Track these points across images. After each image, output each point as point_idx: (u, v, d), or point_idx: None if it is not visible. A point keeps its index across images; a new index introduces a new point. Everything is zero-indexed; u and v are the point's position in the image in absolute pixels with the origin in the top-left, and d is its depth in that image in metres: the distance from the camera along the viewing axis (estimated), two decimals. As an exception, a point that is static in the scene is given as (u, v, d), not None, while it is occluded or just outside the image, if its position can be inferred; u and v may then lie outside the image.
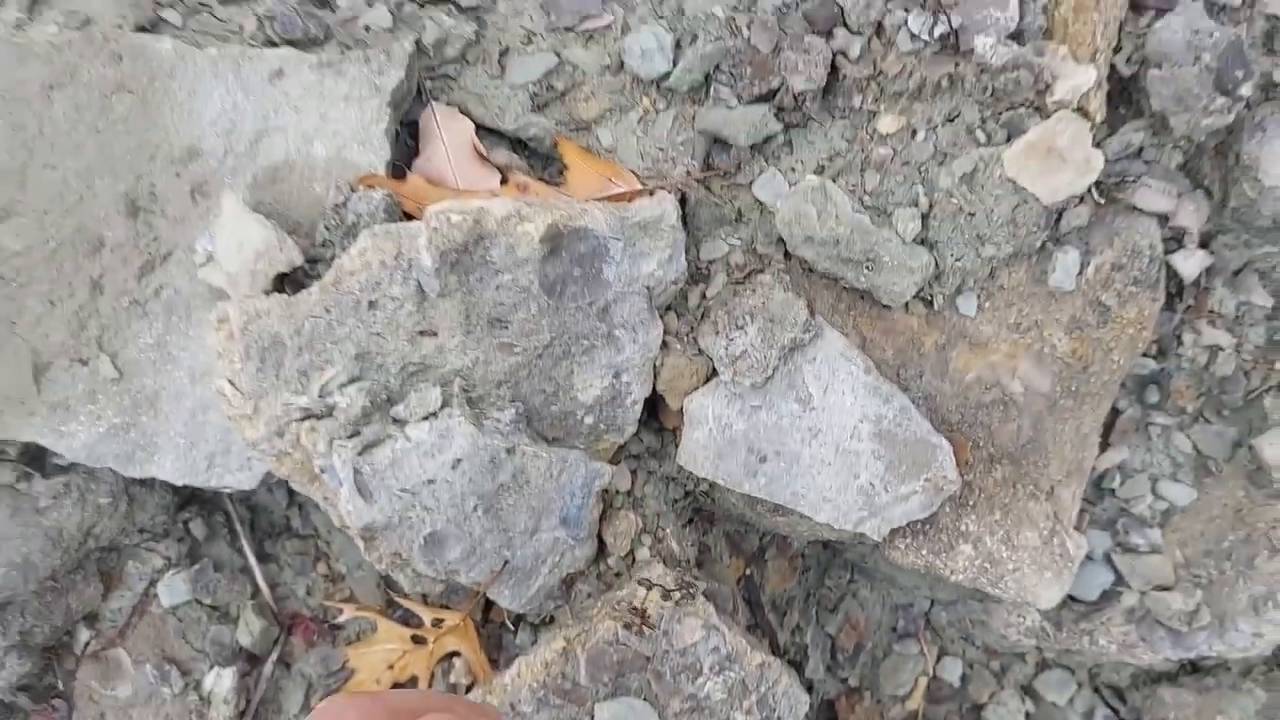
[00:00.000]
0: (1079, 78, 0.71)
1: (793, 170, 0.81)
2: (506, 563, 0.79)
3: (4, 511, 0.87)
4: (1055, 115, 0.70)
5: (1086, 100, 0.72)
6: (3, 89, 0.78)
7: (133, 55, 0.77)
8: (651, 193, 0.79)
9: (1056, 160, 0.71)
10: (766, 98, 0.79)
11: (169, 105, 0.77)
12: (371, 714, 0.50)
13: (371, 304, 0.72)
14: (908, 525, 0.78)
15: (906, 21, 0.75)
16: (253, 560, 0.94)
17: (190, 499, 0.93)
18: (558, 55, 0.81)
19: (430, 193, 0.77)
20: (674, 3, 0.80)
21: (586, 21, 0.81)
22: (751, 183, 0.81)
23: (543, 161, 0.85)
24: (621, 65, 0.81)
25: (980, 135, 0.75)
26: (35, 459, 0.88)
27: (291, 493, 0.95)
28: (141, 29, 0.79)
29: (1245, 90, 0.72)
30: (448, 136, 0.78)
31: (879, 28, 0.77)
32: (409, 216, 0.78)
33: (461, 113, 0.80)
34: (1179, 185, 0.78)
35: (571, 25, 0.81)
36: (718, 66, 0.79)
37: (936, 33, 0.73)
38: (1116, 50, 0.75)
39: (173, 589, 0.91)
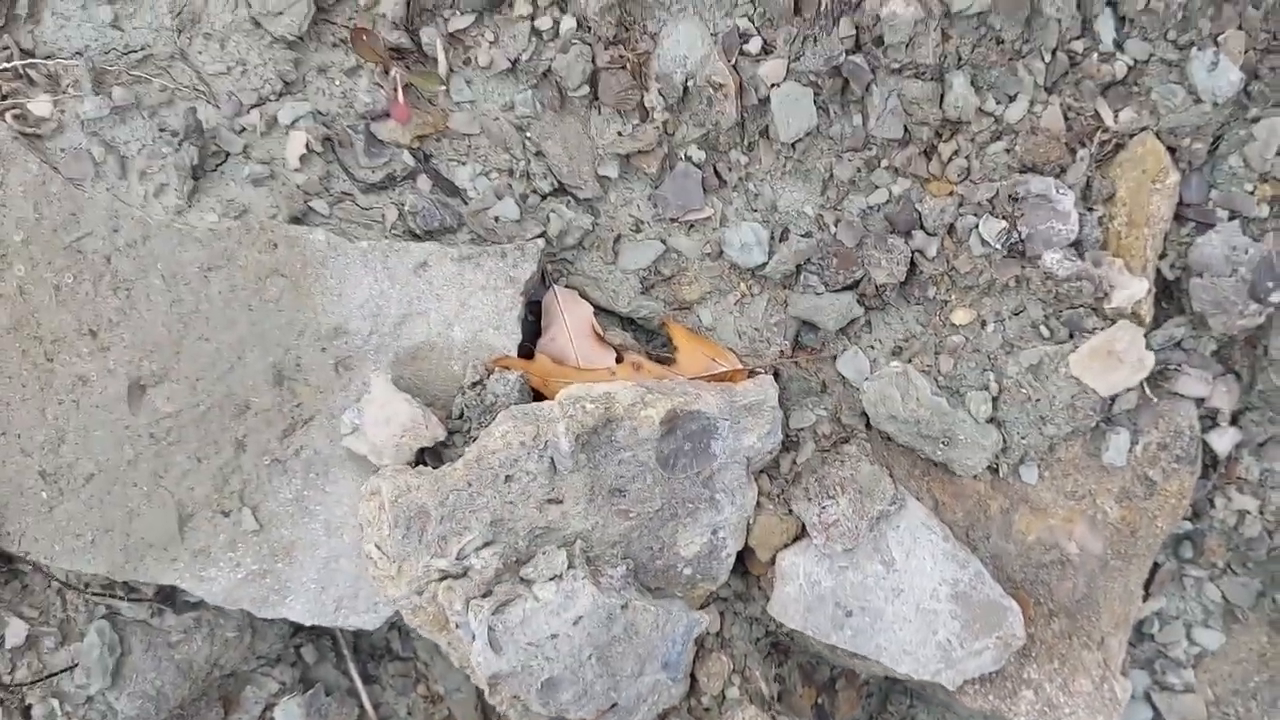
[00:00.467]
0: (1133, 288, 0.81)
1: (871, 349, 0.90)
2: (615, 704, 0.87)
3: (139, 646, 0.93)
4: (1116, 324, 0.81)
5: (1139, 306, 0.82)
6: (163, 269, 0.86)
7: (288, 244, 0.85)
8: (752, 373, 0.88)
9: (1115, 361, 0.81)
10: (851, 287, 0.88)
11: (319, 289, 0.85)
12: None
13: (508, 478, 0.80)
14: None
15: (978, 227, 0.85)
16: (359, 683, 1.00)
17: (302, 626, 1.00)
18: (664, 243, 0.90)
19: (555, 371, 0.85)
20: (768, 198, 0.90)
21: (689, 213, 0.90)
22: (835, 358, 0.90)
23: (648, 336, 0.94)
24: (721, 253, 0.90)
25: (1044, 330, 0.85)
26: (168, 596, 0.94)
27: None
28: (294, 219, 0.87)
29: (1275, 298, 0.83)
30: (569, 319, 0.87)
31: (951, 228, 0.87)
32: (536, 391, 0.87)
33: (580, 295, 0.89)
34: (1213, 370, 0.88)
35: (676, 216, 0.90)
36: (808, 260, 0.89)
37: (1006, 243, 0.83)
38: (1161, 257, 0.85)
39: (288, 713, 0.97)
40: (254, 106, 0.90)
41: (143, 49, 0.90)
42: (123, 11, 0.91)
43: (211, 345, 0.86)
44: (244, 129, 0.89)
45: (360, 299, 0.85)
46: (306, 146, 0.87)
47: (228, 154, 0.88)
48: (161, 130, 0.88)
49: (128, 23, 0.90)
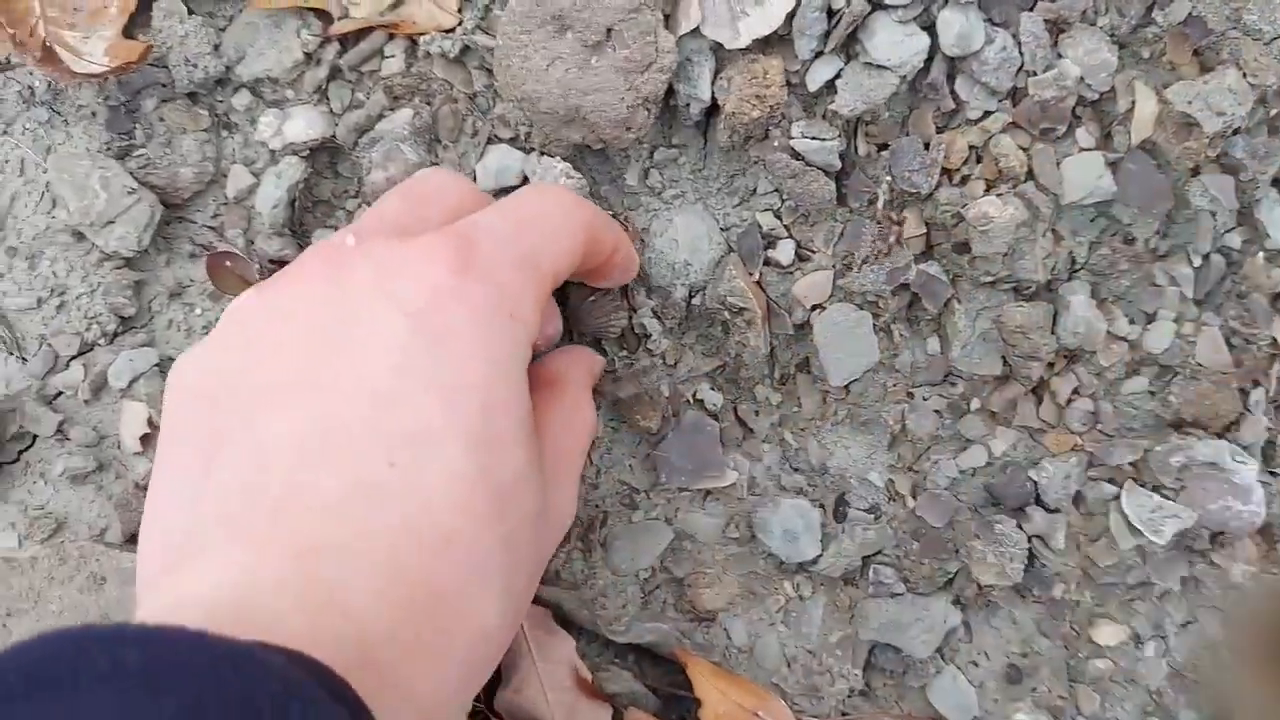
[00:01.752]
0: (1356, 604, 0.63)
1: (974, 665, 0.71)
2: None
3: None
4: (1343, 670, 0.63)
5: (1364, 628, 0.64)
6: (-64, 615, 0.65)
7: (122, 579, 0.65)
8: (810, 730, 0.68)
9: (1340, 711, 0.63)
10: (943, 586, 0.70)
11: (169, 641, 0.65)
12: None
13: None
14: None
15: (1120, 501, 0.67)
16: None
17: None
18: (669, 524, 0.71)
19: (522, 747, 0.65)
20: (813, 456, 0.71)
21: (704, 479, 0.71)
22: (925, 685, 0.71)
23: (655, 662, 0.73)
24: (753, 537, 0.71)
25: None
26: None
27: None
28: (133, 536, 0.67)
29: None
30: (543, 662, 0.67)
31: (1078, 497, 0.69)
32: (493, 779, 0.66)
33: (555, 617, 0.69)
34: None
35: (686, 485, 0.71)
36: (879, 550, 0.70)
37: (1163, 531, 0.65)
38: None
39: None
40: (75, 358, 0.70)
41: (-85, 277, 0.71)
42: (-112, 222, 0.71)
43: (10, 726, 0.65)
44: (60, 394, 0.69)
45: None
46: (150, 422, 0.67)
47: (34, 436, 0.68)
48: (-63, 403, 0.68)
49: (-106, 239, 0.71)
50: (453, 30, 0.70)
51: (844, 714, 0.69)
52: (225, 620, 0.32)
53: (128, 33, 0.72)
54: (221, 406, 0.41)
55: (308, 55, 0.72)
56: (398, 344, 0.40)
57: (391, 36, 0.72)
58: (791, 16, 0.64)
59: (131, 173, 0.71)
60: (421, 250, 0.43)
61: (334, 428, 0.38)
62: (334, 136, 0.72)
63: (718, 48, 0.66)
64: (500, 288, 0.43)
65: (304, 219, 0.73)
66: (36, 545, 0.65)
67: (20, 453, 0.68)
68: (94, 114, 0.73)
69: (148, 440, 0.67)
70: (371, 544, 0.36)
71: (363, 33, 0.72)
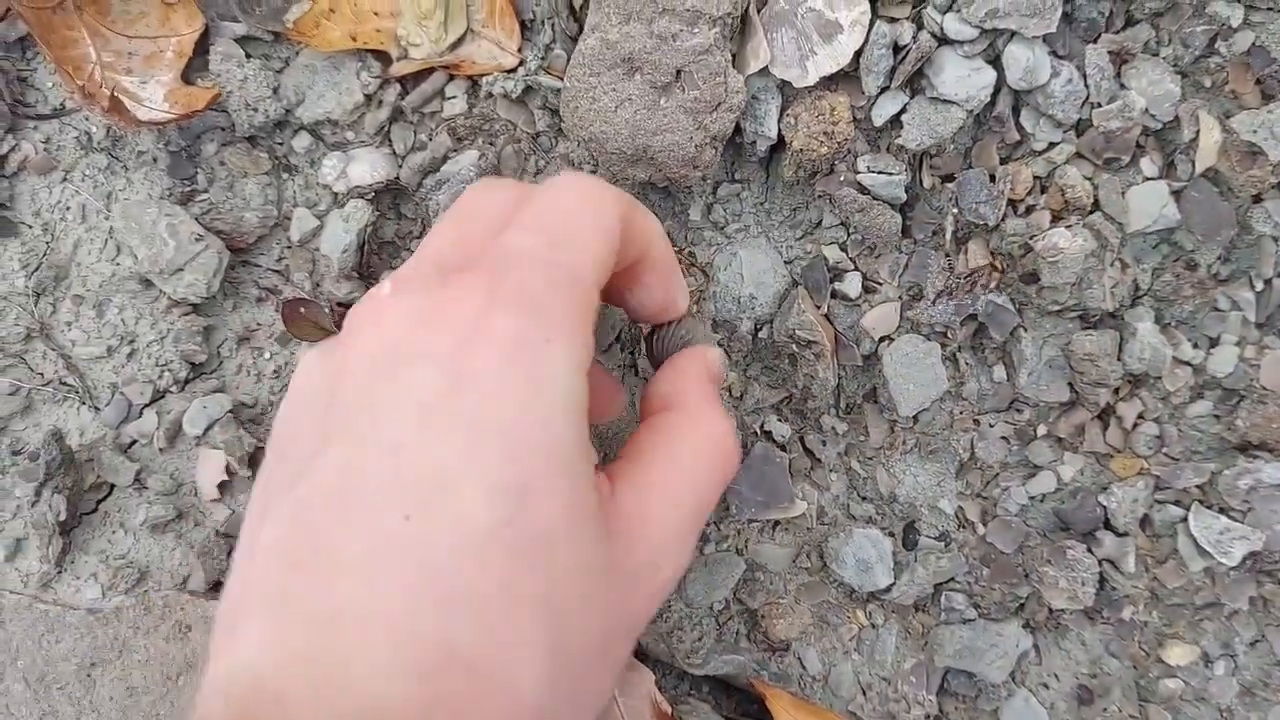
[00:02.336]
0: None
1: (1045, 687, 0.73)
2: None
3: None
4: None
5: None
6: (26, 668, 0.66)
7: (208, 626, 0.66)
8: (890, 756, 0.70)
9: None
10: (1014, 611, 0.71)
11: (258, 688, 0.66)
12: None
13: None
14: None
15: (1188, 523, 0.69)
16: None
17: None
18: (741, 555, 0.73)
19: (609, 782, 0.67)
20: (882, 485, 0.73)
21: (773, 510, 0.73)
22: (997, 709, 0.73)
23: (728, 692, 0.75)
24: (824, 565, 0.73)
25: (1298, 675, 0.68)
26: None
27: None
28: (216, 584, 0.68)
29: None
30: (624, 697, 0.69)
31: (1145, 520, 0.70)
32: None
33: (635, 652, 0.71)
34: None
35: (755, 516, 0.73)
36: (951, 576, 0.71)
37: (1232, 554, 0.67)
38: None
39: None
40: (148, 405, 0.71)
41: (-16, 328, 0.72)
42: (-47, 273, 0.72)
43: (101, 775, 0.66)
44: (134, 442, 0.70)
45: (319, 702, 0.66)
46: (228, 469, 0.68)
47: (112, 486, 0.69)
48: (15, 454, 0.69)
49: (-40, 290, 0.72)
50: (514, 70, 0.71)
51: (922, 739, 0.71)
52: (237, 709, 0.33)
53: (185, 77, 0.73)
54: (276, 466, 0.42)
55: (368, 97, 0.73)
56: (425, 393, 0.38)
57: (452, 77, 0.72)
58: (859, 54, 0.66)
59: (197, 218, 0.72)
60: (450, 294, 0.42)
61: (357, 482, 0.37)
62: (398, 178, 0.73)
63: (784, 85, 0.67)
64: (534, 314, 0.41)
65: (370, 261, 0.74)
66: (120, 595, 0.66)
67: (99, 503, 0.69)
68: (155, 159, 0.73)
69: (225, 487, 0.68)
70: (386, 606, 0.34)
71: (423, 74, 0.72)
